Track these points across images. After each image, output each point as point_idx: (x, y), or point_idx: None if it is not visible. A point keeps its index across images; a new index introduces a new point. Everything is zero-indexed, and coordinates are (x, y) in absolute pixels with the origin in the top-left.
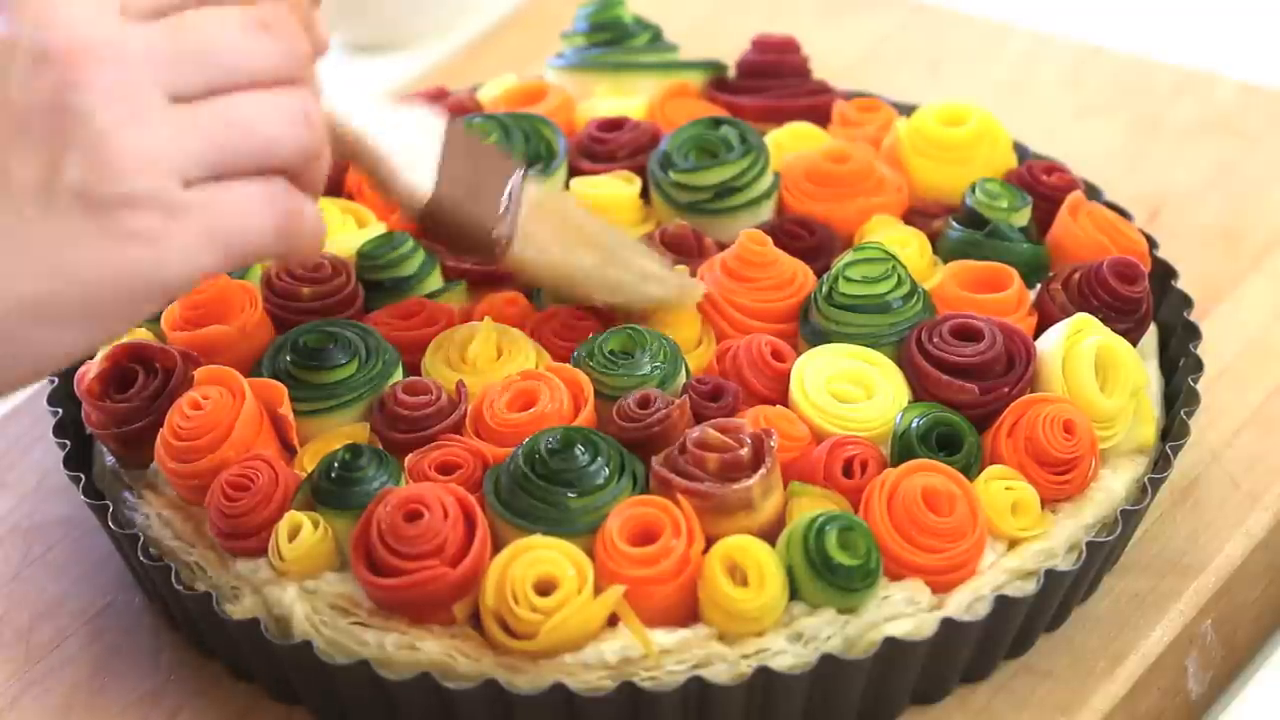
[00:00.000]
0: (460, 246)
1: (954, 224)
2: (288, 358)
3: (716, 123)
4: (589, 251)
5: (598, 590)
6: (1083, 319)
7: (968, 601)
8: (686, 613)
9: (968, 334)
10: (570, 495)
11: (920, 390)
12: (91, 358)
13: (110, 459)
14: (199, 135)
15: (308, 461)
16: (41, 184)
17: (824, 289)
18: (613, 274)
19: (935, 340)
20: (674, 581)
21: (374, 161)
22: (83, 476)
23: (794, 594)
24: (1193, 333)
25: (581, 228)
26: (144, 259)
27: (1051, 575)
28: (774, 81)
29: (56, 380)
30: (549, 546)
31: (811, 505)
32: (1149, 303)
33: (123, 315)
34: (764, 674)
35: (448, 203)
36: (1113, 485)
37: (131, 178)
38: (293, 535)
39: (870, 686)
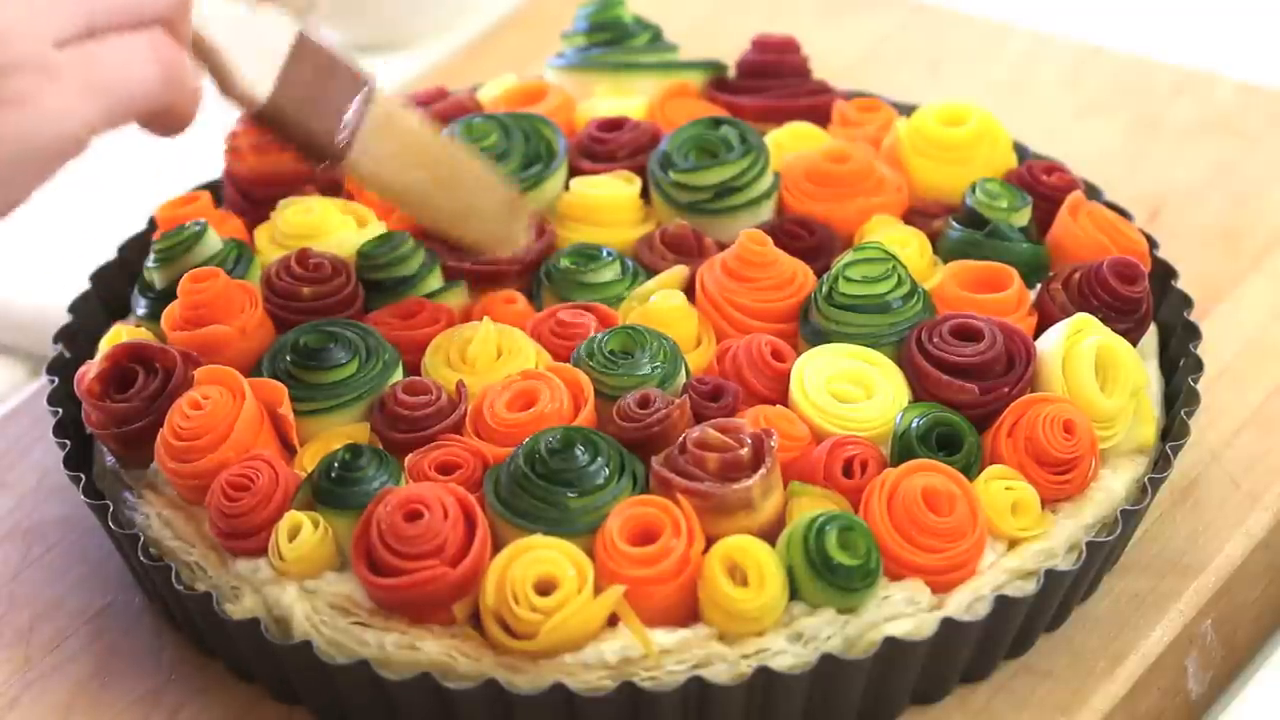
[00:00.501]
0: (297, 150)
1: (954, 224)
2: (288, 358)
3: (716, 123)
4: (424, 171)
5: (598, 590)
6: (1083, 319)
7: (968, 601)
8: (686, 613)
9: (968, 334)
10: (570, 495)
11: (920, 390)
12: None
13: (110, 459)
14: None
15: (308, 461)
16: None
17: (824, 289)
18: (442, 199)
19: (935, 340)
20: (674, 581)
21: (210, 52)
22: (83, 476)
23: (794, 594)
24: (1193, 333)
25: (424, 147)
26: (23, 120)
27: (1051, 575)
28: (774, 81)
29: (56, 380)
30: (549, 546)
31: (811, 505)
32: (1149, 303)
33: (13, 180)
34: (764, 674)
35: (286, 107)
36: (1113, 485)
37: (0, 48)
38: (293, 535)
39: (870, 686)
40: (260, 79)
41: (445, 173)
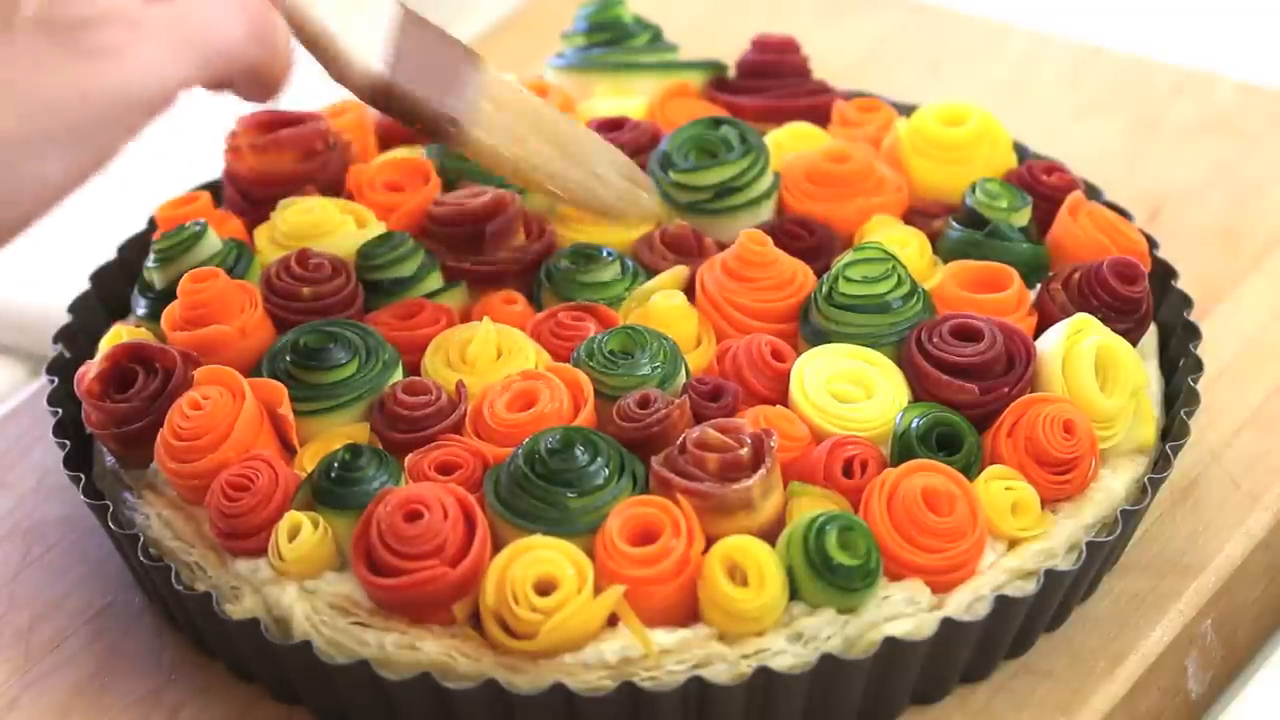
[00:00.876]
0: (411, 123)
1: (954, 224)
2: (288, 358)
3: (716, 123)
4: (543, 143)
5: (598, 590)
6: (1083, 319)
7: (968, 601)
8: (686, 613)
9: (968, 334)
10: (570, 495)
11: (920, 390)
12: (85, 182)
13: (110, 459)
14: None
15: (308, 461)
16: (1, 20)
17: (824, 289)
18: (563, 168)
19: (935, 340)
20: (674, 581)
21: (318, 35)
22: (83, 477)
23: (794, 594)
24: (1192, 333)
25: (540, 118)
26: (112, 73)
27: (1051, 575)
28: (774, 81)
29: (56, 380)
30: (549, 546)
31: (811, 505)
32: (1149, 303)
33: (105, 135)
34: (764, 674)
35: (404, 84)
36: (1113, 485)
37: (88, 1)
38: (293, 535)
39: (870, 686)
40: (369, 57)
41: (564, 141)
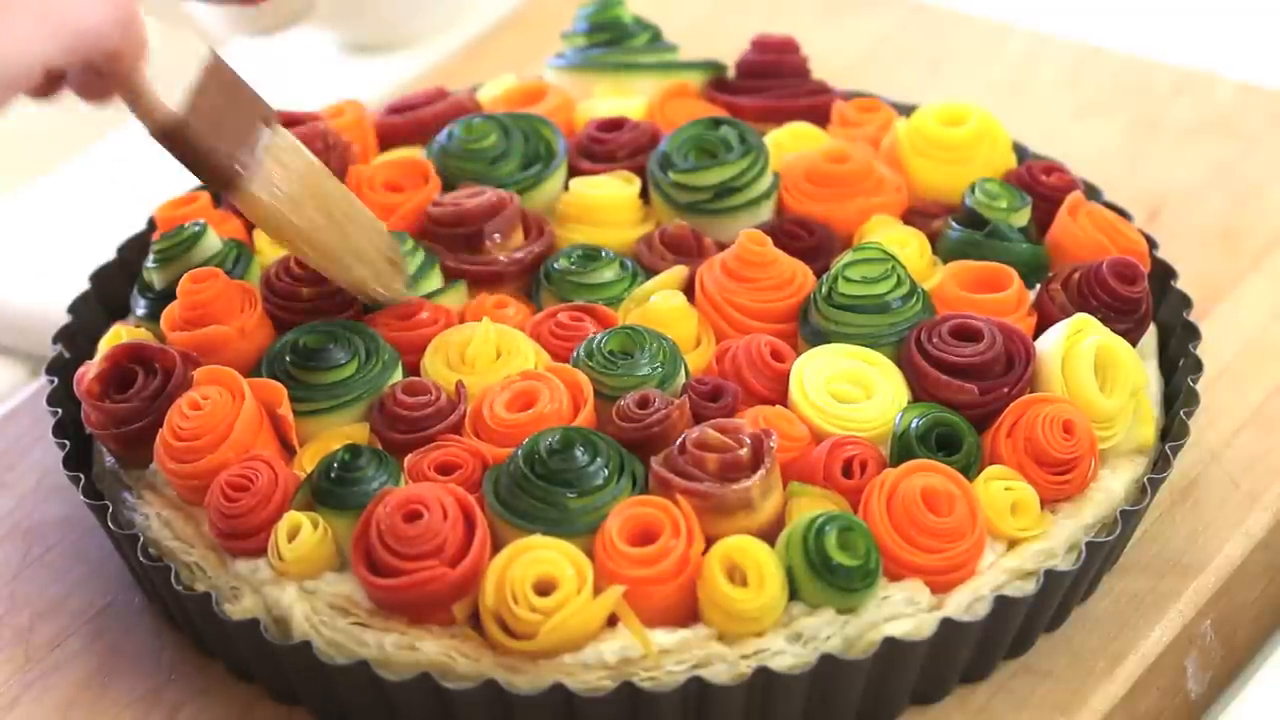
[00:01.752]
0: (197, 171)
1: (953, 224)
2: (287, 358)
3: (716, 123)
4: (315, 211)
5: (597, 590)
6: (1082, 319)
7: (967, 602)
8: (686, 613)
9: (967, 334)
10: (570, 495)
11: (920, 390)
12: None
13: (110, 459)
14: None
15: (307, 462)
16: None
17: (823, 289)
18: (328, 239)
19: (935, 340)
20: (673, 582)
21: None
22: (82, 477)
23: (793, 594)
24: (1192, 333)
25: (319, 186)
26: None
27: (1051, 575)
28: (773, 82)
29: (56, 381)
30: (548, 547)
31: (811, 505)
32: (1148, 303)
33: None
34: (763, 674)
35: (195, 127)
36: (1112, 485)
37: None
38: (292, 535)
39: (870, 687)
40: (169, 97)
41: (338, 213)
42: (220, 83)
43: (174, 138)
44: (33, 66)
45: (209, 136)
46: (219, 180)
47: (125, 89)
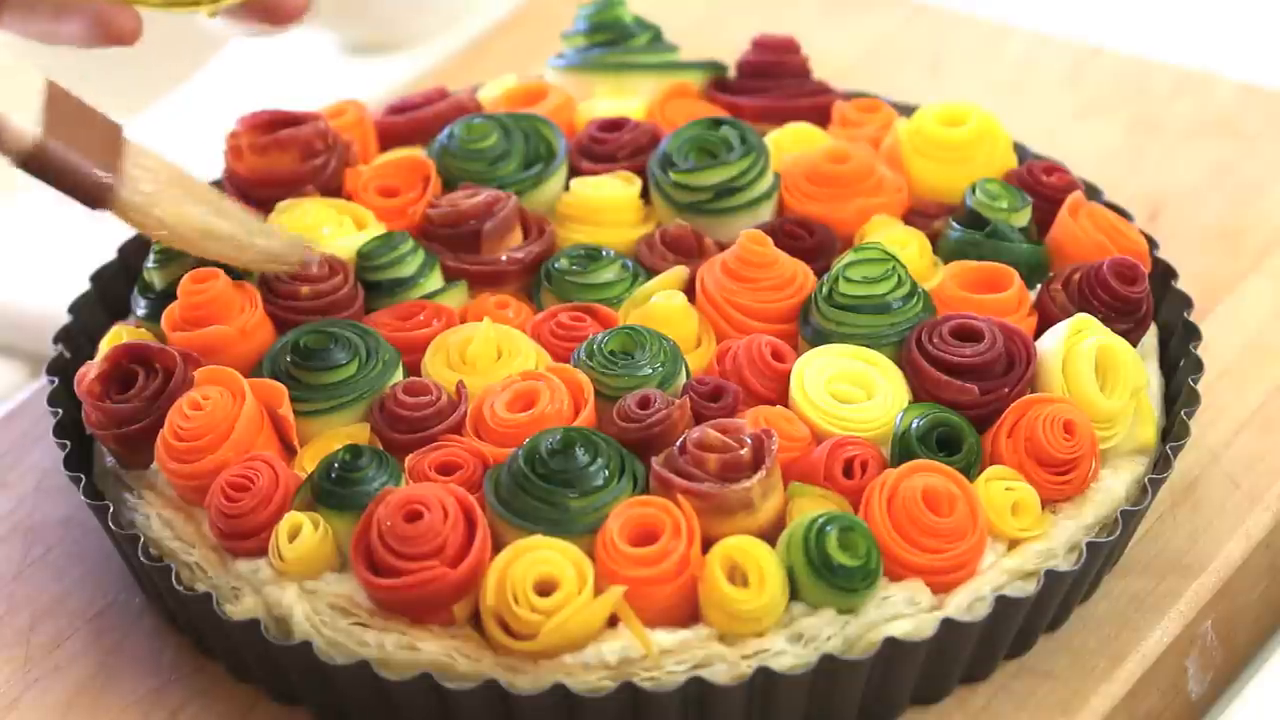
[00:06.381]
0: (68, 190)
1: (954, 224)
2: (288, 358)
3: (716, 123)
4: (196, 203)
5: (598, 591)
6: (1083, 319)
7: (968, 602)
8: (686, 613)
9: (968, 334)
10: (570, 496)
11: (920, 390)
12: None
13: (110, 459)
14: None
15: (308, 462)
16: None
17: (824, 289)
18: (222, 225)
19: (935, 340)
20: (674, 582)
21: None
22: (83, 477)
23: (794, 594)
24: (1193, 333)
25: (186, 182)
26: None
27: (1051, 575)
28: (774, 82)
29: (56, 381)
30: (549, 547)
31: (811, 506)
32: (1149, 303)
33: None
34: (764, 674)
35: (56, 150)
36: (1113, 486)
37: None
38: (293, 536)
39: (870, 687)
40: (24, 123)
41: (213, 199)
42: (64, 106)
43: (39, 161)
44: None
45: (71, 154)
46: (91, 195)
47: None
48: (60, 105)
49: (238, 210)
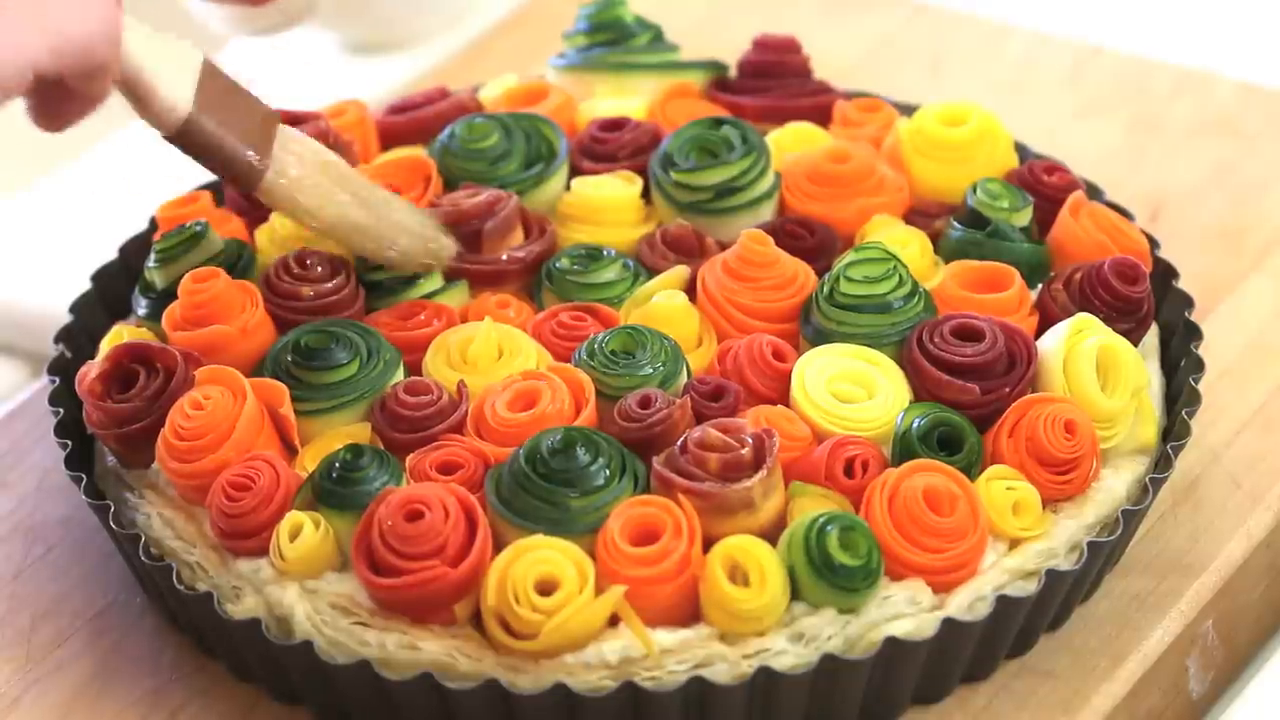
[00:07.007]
0: (213, 167)
1: (955, 224)
2: (289, 358)
3: (717, 123)
4: (341, 192)
5: (599, 590)
6: (1084, 319)
7: (969, 601)
8: (687, 613)
9: (969, 334)
10: (571, 495)
11: (921, 390)
12: None
13: (111, 459)
14: None
15: (309, 461)
16: None
17: (825, 289)
18: (363, 216)
19: (936, 340)
20: (675, 581)
21: (132, 72)
22: (84, 477)
23: (795, 594)
24: (1194, 332)
25: (340, 172)
26: None
27: (1052, 575)
28: (775, 81)
29: (57, 381)
30: (550, 546)
31: (812, 505)
32: (1150, 303)
33: None
34: (765, 674)
35: (207, 126)
36: (1114, 485)
37: None
38: (294, 535)
39: (871, 686)
40: (177, 98)
41: (364, 193)
42: (218, 84)
43: (188, 136)
44: (25, 70)
45: (221, 132)
46: (238, 175)
47: (131, 97)
48: (214, 84)
49: (392, 202)
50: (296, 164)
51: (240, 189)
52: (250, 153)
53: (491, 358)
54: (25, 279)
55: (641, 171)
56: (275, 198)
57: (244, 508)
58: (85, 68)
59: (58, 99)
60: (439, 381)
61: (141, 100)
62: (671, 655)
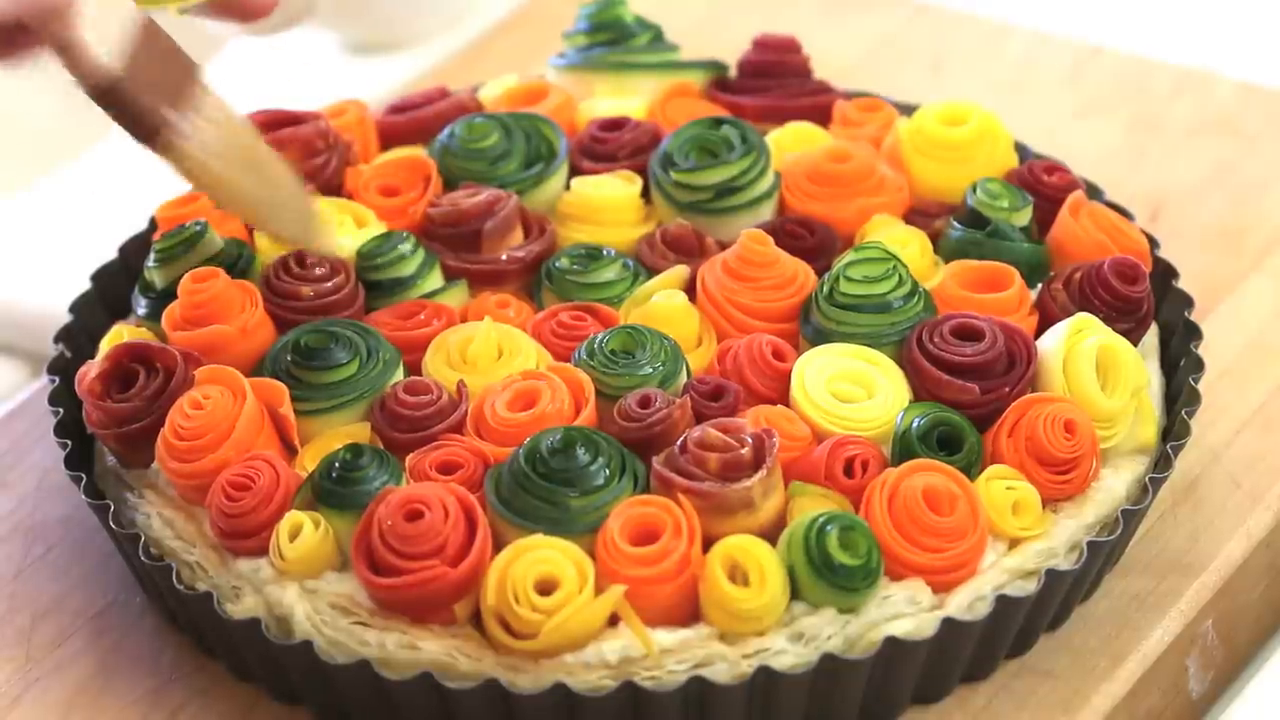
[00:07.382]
0: (129, 128)
1: (955, 224)
2: (288, 357)
3: (717, 123)
4: (246, 168)
5: (598, 590)
6: (1084, 319)
7: (968, 601)
8: (687, 612)
9: (968, 334)
10: (571, 495)
11: (921, 390)
12: None
13: (111, 459)
14: None
15: (309, 461)
16: None
17: (825, 289)
18: (259, 193)
19: (936, 340)
20: (674, 581)
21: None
22: (84, 476)
23: (795, 594)
24: (1194, 332)
25: (248, 142)
26: None
27: (1052, 575)
28: (775, 81)
29: (57, 380)
30: (550, 546)
31: (812, 505)
32: (1150, 302)
33: None
34: (765, 673)
35: (131, 86)
36: (1114, 485)
37: None
38: (294, 535)
39: (871, 686)
40: (105, 55)
41: (266, 168)
42: (152, 42)
43: (110, 96)
44: None
45: (144, 95)
46: (148, 136)
47: (59, 48)
48: (148, 42)
49: (292, 187)
50: (212, 134)
51: (154, 152)
52: (168, 117)
53: (491, 357)
54: (25, 279)
55: (641, 171)
56: (180, 161)
57: (244, 507)
58: (36, 12)
59: (12, 39)
60: (439, 381)
61: (67, 53)
62: (671, 655)
